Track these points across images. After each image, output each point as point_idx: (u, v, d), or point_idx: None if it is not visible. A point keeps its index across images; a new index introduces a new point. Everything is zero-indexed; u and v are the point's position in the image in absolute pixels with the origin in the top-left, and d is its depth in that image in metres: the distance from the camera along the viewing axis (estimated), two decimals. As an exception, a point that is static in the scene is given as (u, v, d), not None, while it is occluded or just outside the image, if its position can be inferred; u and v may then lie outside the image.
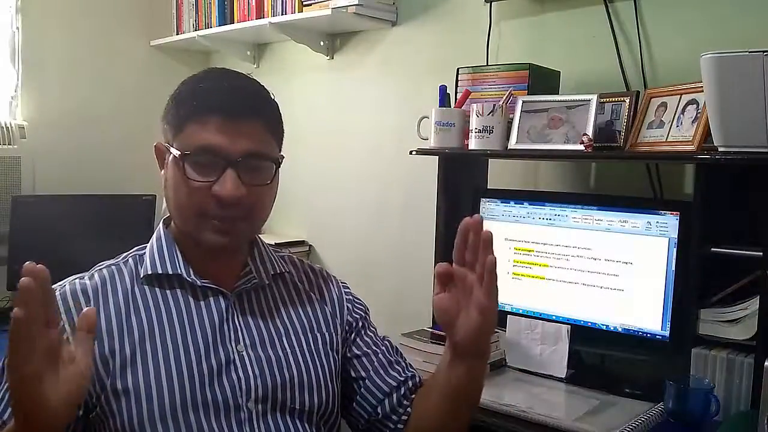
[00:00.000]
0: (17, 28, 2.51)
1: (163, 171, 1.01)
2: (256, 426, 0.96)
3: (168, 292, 0.99)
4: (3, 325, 2.18)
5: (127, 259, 1.03)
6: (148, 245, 1.04)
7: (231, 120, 0.94)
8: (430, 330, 1.69)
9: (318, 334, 1.08)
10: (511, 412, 1.38)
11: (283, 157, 1.07)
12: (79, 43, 2.64)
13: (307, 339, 1.06)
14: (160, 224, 1.06)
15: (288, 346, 1.03)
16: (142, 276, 0.99)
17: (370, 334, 1.15)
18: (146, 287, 0.99)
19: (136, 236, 1.10)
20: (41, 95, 2.55)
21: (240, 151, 0.95)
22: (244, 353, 0.99)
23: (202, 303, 1.00)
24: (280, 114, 1.06)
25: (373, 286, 2.35)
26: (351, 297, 1.17)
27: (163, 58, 2.84)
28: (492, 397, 1.44)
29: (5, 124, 2.42)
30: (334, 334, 1.10)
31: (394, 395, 1.08)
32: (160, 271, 0.99)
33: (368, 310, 1.19)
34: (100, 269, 1.01)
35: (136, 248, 1.05)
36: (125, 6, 2.76)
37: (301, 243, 2.55)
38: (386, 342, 1.16)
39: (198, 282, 1.00)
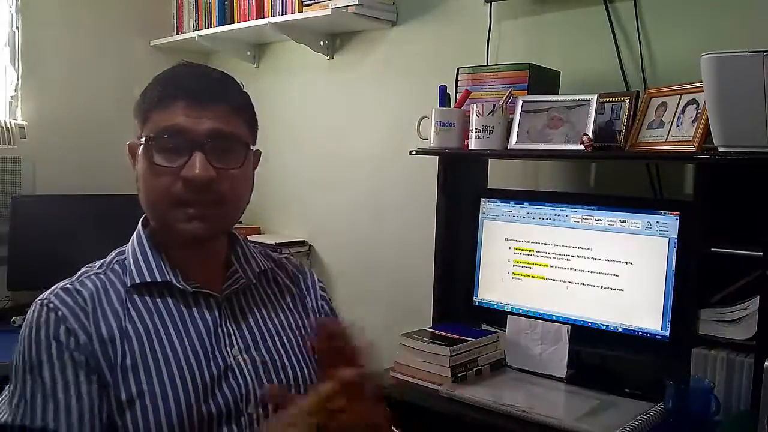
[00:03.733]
0: (17, 28, 2.50)
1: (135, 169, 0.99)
2: (256, 430, 0.96)
3: (159, 301, 0.96)
4: (3, 326, 2.19)
5: (113, 266, 0.99)
6: (129, 250, 1.00)
7: (196, 102, 0.93)
8: (430, 330, 1.69)
9: (306, 332, 1.08)
10: (511, 412, 1.38)
11: (260, 152, 1.05)
12: (79, 43, 2.64)
13: (297, 338, 1.06)
14: (139, 226, 1.03)
15: (281, 346, 1.03)
16: (129, 285, 0.96)
17: None
18: (137, 297, 0.96)
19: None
20: (41, 95, 2.55)
21: (205, 131, 0.93)
22: (240, 357, 0.97)
23: (194, 310, 0.97)
24: (252, 103, 1.04)
25: (373, 286, 2.35)
26: (325, 296, 1.16)
27: (163, 58, 2.84)
28: (492, 397, 1.44)
29: (5, 124, 2.42)
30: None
31: None
32: (148, 280, 0.96)
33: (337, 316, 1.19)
34: (88, 276, 0.97)
35: (117, 252, 1.02)
36: (125, 6, 2.76)
37: (301, 243, 2.55)
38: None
39: (189, 288, 0.97)
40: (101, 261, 1.01)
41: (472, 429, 1.43)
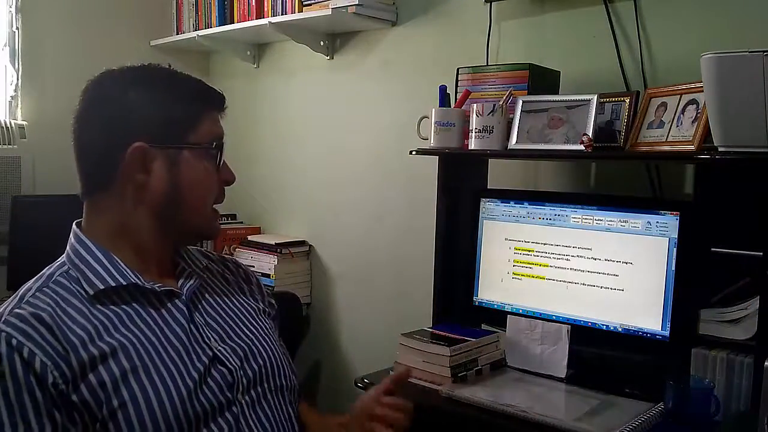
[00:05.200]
0: (17, 28, 2.51)
1: (140, 174, 0.95)
2: (249, 416, 0.97)
3: (127, 308, 0.93)
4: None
5: (55, 278, 0.93)
6: (73, 259, 0.95)
7: (223, 112, 1.04)
8: (430, 330, 1.69)
9: (265, 320, 1.12)
10: (511, 412, 1.38)
11: None
12: (79, 43, 2.64)
13: (260, 325, 1.09)
14: (78, 232, 0.98)
15: (250, 333, 1.05)
16: (92, 294, 0.91)
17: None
18: (101, 307, 0.91)
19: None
20: (41, 95, 2.55)
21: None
22: (220, 347, 0.99)
23: (164, 311, 0.96)
24: None
25: (373, 286, 2.35)
26: (270, 294, 1.21)
27: (163, 58, 2.83)
28: (492, 397, 1.44)
29: (5, 124, 2.42)
30: (272, 322, 1.15)
31: None
32: (113, 284, 0.93)
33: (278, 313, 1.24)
34: (33, 294, 0.90)
35: (57, 265, 0.96)
36: (125, 6, 2.76)
37: (301, 243, 2.55)
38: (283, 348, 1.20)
39: (157, 288, 0.96)
40: (36, 279, 0.94)
41: (472, 429, 1.43)
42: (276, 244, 2.48)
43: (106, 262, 0.94)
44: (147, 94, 0.96)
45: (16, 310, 0.86)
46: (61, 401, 0.83)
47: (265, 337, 1.08)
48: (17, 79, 2.52)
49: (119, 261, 0.95)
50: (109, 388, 0.86)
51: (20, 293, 0.91)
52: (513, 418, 1.37)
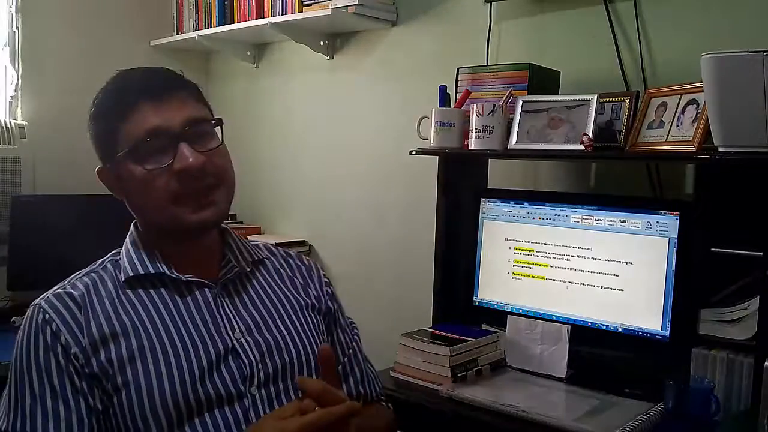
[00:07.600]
0: (17, 28, 2.50)
1: (116, 192, 1.02)
2: (262, 411, 0.97)
3: (153, 292, 0.99)
4: (3, 326, 2.19)
5: (105, 265, 1.03)
6: (123, 249, 1.04)
7: (158, 98, 0.95)
8: (430, 330, 1.69)
9: (310, 315, 1.10)
10: (511, 412, 1.38)
11: (222, 120, 1.05)
12: (79, 43, 2.63)
13: (300, 321, 1.08)
14: (131, 228, 1.07)
15: (284, 328, 1.05)
16: (123, 279, 0.99)
17: (343, 330, 1.18)
18: (129, 291, 0.99)
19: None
20: (41, 95, 2.55)
21: (181, 122, 0.96)
22: (242, 339, 1.00)
23: (188, 298, 1.00)
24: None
25: (373, 286, 2.35)
26: (330, 287, 1.19)
27: (163, 58, 2.83)
28: (492, 397, 1.44)
29: (5, 124, 2.42)
30: (321, 318, 1.13)
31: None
32: (141, 272, 0.99)
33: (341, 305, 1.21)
34: (80, 277, 1.00)
35: (111, 253, 1.05)
36: (125, 6, 2.76)
37: (301, 243, 2.55)
38: (354, 343, 1.20)
39: (182, 278, 1.00)
40: (91, 264, 1.04)
41: (472, 429, 1.43)
42: (276, 244, 2.47)
43: (142, 253, 1.02)
44: (91, 115, 1.02)
45: (58, 290, 0.97)
46: (81, 372, 0.91)
47: (302, 333, 1.06)
48: (17, 79, 2.51)
49: (157, 253, 1.01)
50: (116, 365, 0.92)
51: (70, 276, 1.01)
52: (513, 418, 1.37)
